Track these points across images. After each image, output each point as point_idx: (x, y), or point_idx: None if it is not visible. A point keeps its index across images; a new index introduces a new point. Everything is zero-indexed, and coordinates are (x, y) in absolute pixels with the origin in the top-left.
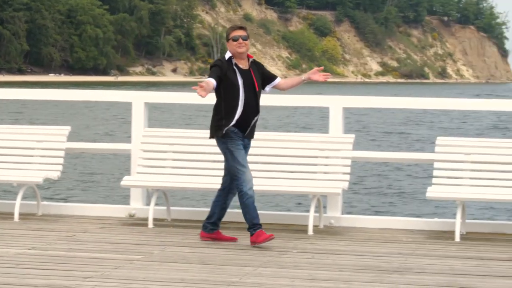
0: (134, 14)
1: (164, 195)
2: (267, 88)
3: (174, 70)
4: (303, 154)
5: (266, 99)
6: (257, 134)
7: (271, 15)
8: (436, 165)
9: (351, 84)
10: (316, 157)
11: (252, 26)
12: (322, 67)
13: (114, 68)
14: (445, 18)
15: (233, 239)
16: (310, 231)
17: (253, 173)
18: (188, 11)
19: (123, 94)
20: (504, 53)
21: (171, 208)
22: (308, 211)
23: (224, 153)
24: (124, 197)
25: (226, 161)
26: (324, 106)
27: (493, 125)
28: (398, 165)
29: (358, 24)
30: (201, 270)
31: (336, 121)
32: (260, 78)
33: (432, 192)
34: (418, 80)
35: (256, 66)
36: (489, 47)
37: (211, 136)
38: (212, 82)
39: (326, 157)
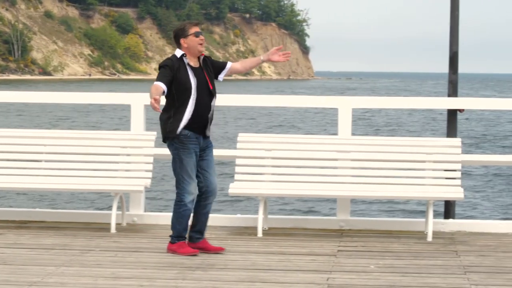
0: None
1: None
2: (220, 76)
3: None
4: (105, 152)
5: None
6: (57, 133)
7: (72, 12)
8: (238, 161)
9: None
10: (118, 154)
11: (53, 23)
12: (281, 46)
13: None
14: (247, 15)
15: (220, 249)
16: (113, 229)
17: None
18: None
19: None
20: (305, 50)
21: None
22: (110, 209)
23: (174, 158)
24: None
25: (174, 165)
26: (126, 104)
27: (293, 120)
28: None
29: (160, 21)
30: (2, 271)
31: (138, 118)
32: (212, 72)
33: (234, 188)
34: None
35: (207, 62)
36: (290, 44)
37: (164, 139)
38: (161, 87)
39: (128, 155)
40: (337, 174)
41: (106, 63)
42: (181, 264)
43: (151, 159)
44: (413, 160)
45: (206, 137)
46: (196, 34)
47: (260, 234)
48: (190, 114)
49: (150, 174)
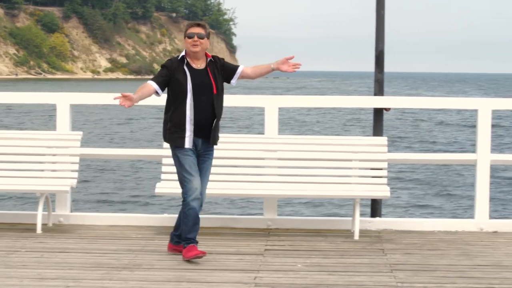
0: None
1: None
2: (233, 81)
3: None
4: (31, 152)
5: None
6: None
7: None
8: (164, 161)
9: (81, 80)
10: (44, 154)
11: None
12: (293, 56)
13: None
14: (173, 15)
15: (202, 253)
16: (39, 230)
17: None
18: None
19: None
20: (232, 49)
21: None
22: (36, 209)
23: (173, 159)
24: None
25: (175, 165)
26: (51, 103)
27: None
28: (129, 161)
29: (87, 20)
30: None
31: (63, 118)
32: (222, 75)
33: (161, 188)
34: (147, 76)
35: (216, 64)
36: (217, 43)
37: (164, 139)
38: (152, 85)
39: (54, 155)
40: (264, 174)
41: (31, 63)
42: (108, 264)
43: (77, 159)
44: (340, 159)
45: (206, 141)
46: (189, 36)
47: None
48: (187, 119)
49: (76, 174)
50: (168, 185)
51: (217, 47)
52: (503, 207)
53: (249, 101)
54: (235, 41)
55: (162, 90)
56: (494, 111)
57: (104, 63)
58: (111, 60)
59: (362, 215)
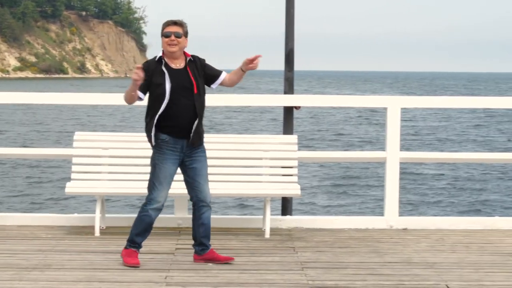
0: None
1: None
2: (214, 85)
3: None
4: None
5: None
6: None
7: None
8: (74, 160)
9: None
10: None
11: None
12: (259, 55)
13: None
14: (83, 13)
15: (229, 259)
16: None
17: None
18: None
19: None
20: (142, 47)
21: None
22: None
23: (150, 161)
24: None
25: (150, 169)
26: None
27: (131, 119)
28: (39, 161)
29: None
30: None
31: None
32: (202, 76)
33: (71, 187)
34: (57, 75)
35: (196, 64)
36: (127, 41)
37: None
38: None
39: None
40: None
41: None
42: (17, 265)
43: None
44: (250, 157)
45: (191, 144)
46: (165, 35)
47: (97, 233)
48: (164, 118)
49: None
50: (79, 184)
51: (128, 46)
52: (413, 205)
53: None
54: (146, 39)
55: (144, 93)
56: (403, 109)
57: (13, 62)
58: (21, 59)
59: (273, 213)
